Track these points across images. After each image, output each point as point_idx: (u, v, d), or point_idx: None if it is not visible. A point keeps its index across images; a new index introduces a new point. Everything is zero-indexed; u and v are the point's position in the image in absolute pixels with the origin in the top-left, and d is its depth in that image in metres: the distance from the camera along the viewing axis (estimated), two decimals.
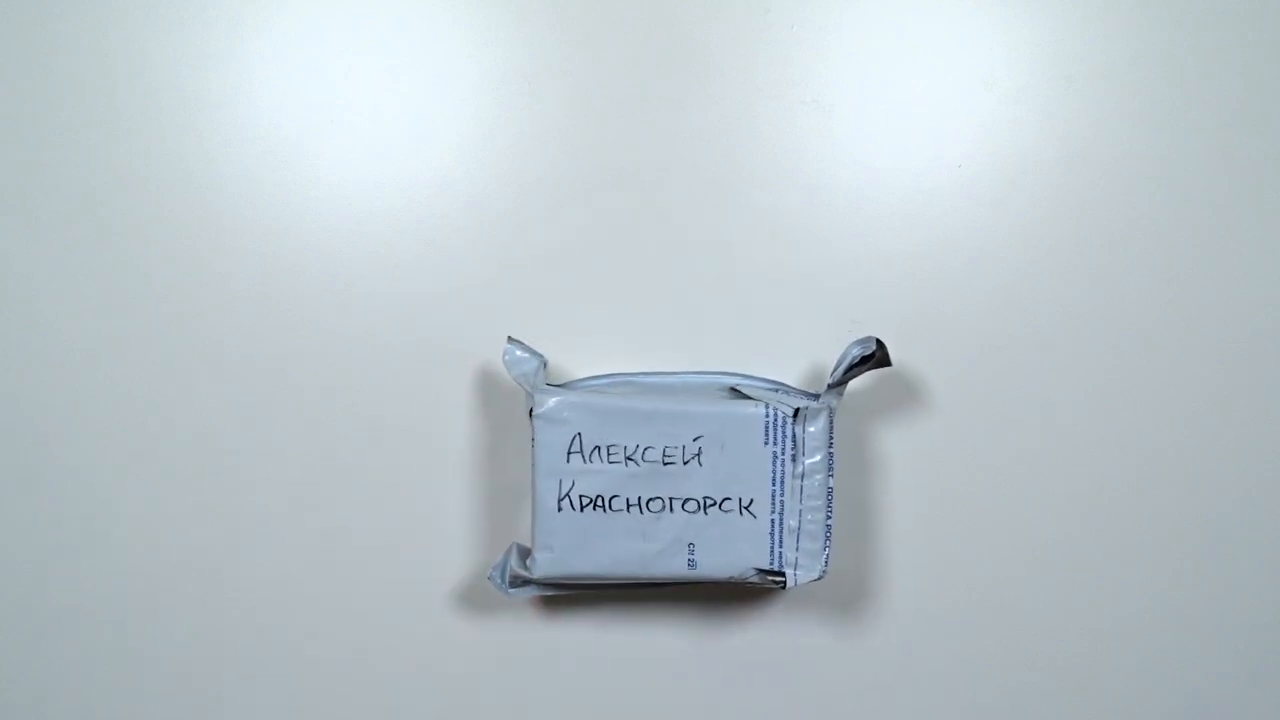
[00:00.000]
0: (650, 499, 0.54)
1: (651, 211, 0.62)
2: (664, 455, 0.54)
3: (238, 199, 0.62)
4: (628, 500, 0.54)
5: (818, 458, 0.55)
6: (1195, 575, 0.62)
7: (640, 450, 0.54)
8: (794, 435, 0.54)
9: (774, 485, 0.54)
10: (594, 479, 0.54)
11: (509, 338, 0.58)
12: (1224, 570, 0.62)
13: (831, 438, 0.55)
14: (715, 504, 0.54)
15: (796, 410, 0.54)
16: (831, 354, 0.61)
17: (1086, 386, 0.62)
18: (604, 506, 0.54)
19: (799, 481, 0.54)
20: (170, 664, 0.62)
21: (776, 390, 0.57)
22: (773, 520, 0.54)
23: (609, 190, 0.62)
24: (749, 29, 0.62)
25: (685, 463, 0.54)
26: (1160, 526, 0.62)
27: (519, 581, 0.56)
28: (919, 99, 0.62)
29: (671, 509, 0.54)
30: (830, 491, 0.55)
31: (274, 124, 0.62)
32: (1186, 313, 0.62)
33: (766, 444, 0.54)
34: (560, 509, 0.54)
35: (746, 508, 0.54)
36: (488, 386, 0.61)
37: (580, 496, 0.54)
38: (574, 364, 0.61)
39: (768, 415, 0.54)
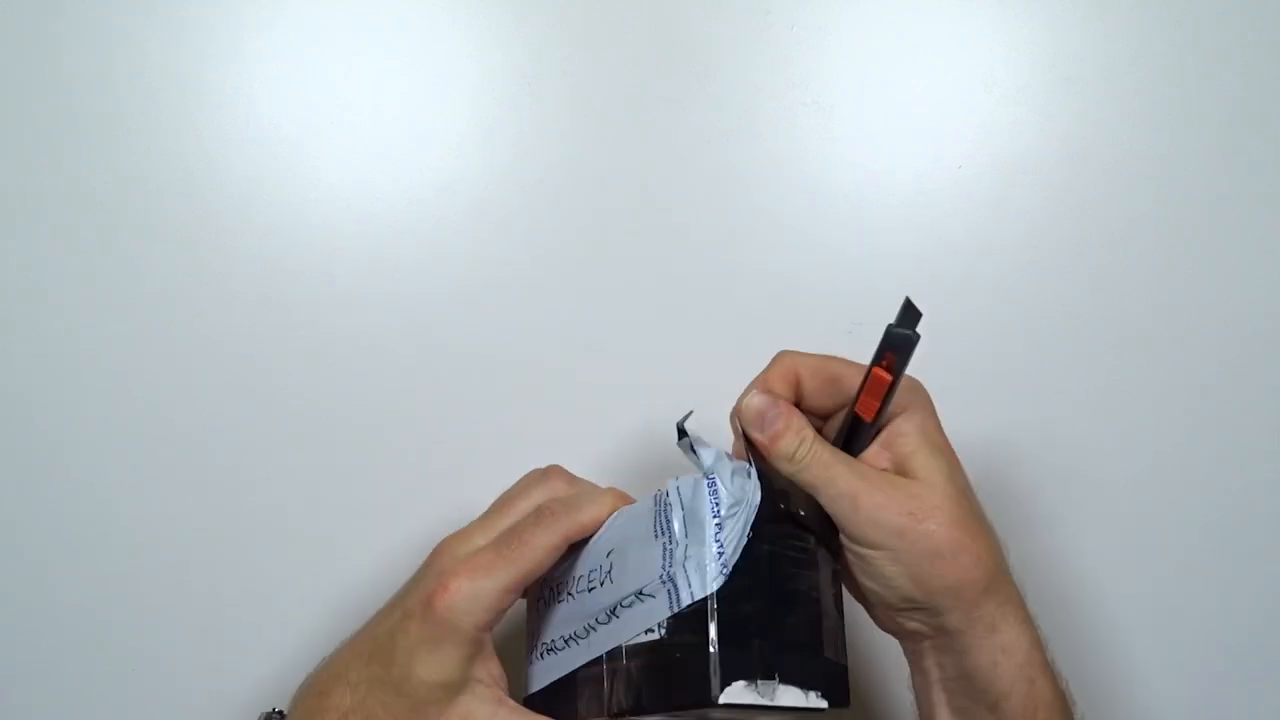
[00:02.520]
0: (576, 630, 0.49)
1: (651, 212, 0.62)
2: (588, 583, 0.49)
3: (238, 199, 0.62)
4: (563, 637, 0.49)
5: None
6: (1195, 575, 0.62)
7: (575, 582, 0.49)
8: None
9: (664, 564, 0.45)
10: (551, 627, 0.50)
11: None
12: (1224, 570, 0.62)
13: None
14: (618, 606, 0.47)
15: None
16: (833, 354, 0.61)
17: (1086, 386, 0.62)
18: (554, 651, 0.50)
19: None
20: (169, 663, 0.61)
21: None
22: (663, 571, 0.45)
23: (609, 191, 0.62)
24: (749, 30, 0.62)
25: (601, 584, 0.48)
26: (1160, 526, 0.62)
27: None
28: (919, 100, 0.63)
29: (595, 629, 0.48)
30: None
31: (274, 125, 0.62)
32: (1186, 313, 0.62)
33: (657, 537, 0.46)
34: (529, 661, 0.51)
35: (639, 593, 0.46)
36: (488, 386, 0.61)
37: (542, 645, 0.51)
38: (573, 364, 0.61)
39: (656, 506, 0.47)
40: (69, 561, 0.62)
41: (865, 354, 0.62)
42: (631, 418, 0.61)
